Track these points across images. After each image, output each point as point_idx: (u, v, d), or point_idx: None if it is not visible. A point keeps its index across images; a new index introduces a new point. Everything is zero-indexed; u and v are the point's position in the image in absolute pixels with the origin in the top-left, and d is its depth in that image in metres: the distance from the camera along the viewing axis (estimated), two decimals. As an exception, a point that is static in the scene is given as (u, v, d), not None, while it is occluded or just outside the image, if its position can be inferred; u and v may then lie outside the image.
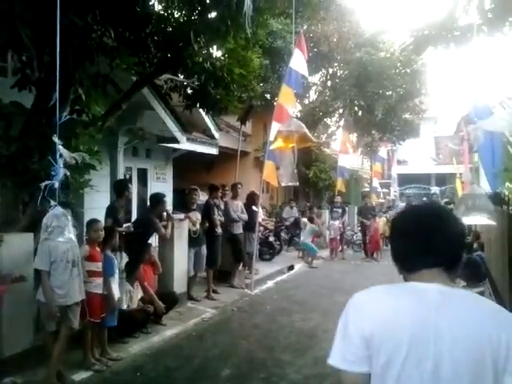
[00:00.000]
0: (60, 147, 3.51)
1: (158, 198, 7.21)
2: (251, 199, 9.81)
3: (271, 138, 8.96)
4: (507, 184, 7.35)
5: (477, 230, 9.27)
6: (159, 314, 6.51)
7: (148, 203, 7.34)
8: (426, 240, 1.41)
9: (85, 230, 5.70)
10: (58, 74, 3.56)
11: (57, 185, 3.47)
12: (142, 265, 6.52)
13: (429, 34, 5.24)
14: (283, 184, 9.51)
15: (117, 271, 5.59)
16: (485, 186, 7.89)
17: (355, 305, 1.44)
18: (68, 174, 3.58)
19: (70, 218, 3.58)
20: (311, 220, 13.46)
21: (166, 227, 7.05)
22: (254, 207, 9.62)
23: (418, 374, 1.30)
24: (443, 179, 29.55)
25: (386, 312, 1.37)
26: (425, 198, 25.47)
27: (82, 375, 4.84)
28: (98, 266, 5.16)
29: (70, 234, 3.55)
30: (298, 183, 9.44)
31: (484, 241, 8.86)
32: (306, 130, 7.83)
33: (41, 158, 4.89)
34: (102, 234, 5.28)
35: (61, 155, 3.50)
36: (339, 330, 1.42)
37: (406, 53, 9.35)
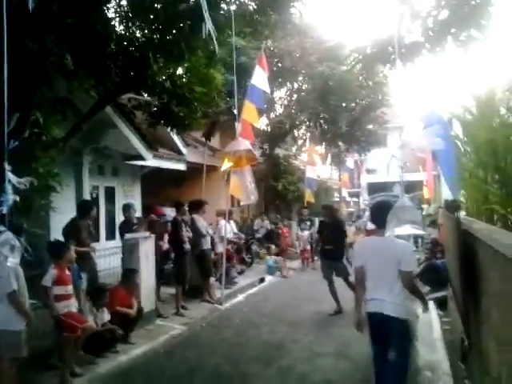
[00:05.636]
0: (9, 173, 3.56)
1: (82, 205, 7.25)
2: (220, 214, 9.92)
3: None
4: (462, 191, 7.63)
5: (435, 238, 9.55)
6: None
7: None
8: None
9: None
10: (5, 101, 3.62)
11: (5, 210, 3.50)
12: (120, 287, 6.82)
13: (376, 51, 5.51)
14: (242, 203, 9.66)
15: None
16: (447, 193, 8.15)
17: (357, 243, 4.50)
18: (18, 199, 3.59)
19: (17, 242, 3.60)
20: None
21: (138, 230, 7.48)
22: (222, 221, 9.72)
23: (376, 264, 3.89)
24: (412, 186, 30.15)
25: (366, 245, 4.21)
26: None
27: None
28: (66, 290, 5.22)
29: (15, 259, 3.57)
30: (256, 201, 9.59)
31: (445, 247, 9.16)
32: (251, 148, 8.04)
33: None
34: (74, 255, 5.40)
35: (9, 181, 3.54)
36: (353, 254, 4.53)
37: (356, 69, 9.68)
